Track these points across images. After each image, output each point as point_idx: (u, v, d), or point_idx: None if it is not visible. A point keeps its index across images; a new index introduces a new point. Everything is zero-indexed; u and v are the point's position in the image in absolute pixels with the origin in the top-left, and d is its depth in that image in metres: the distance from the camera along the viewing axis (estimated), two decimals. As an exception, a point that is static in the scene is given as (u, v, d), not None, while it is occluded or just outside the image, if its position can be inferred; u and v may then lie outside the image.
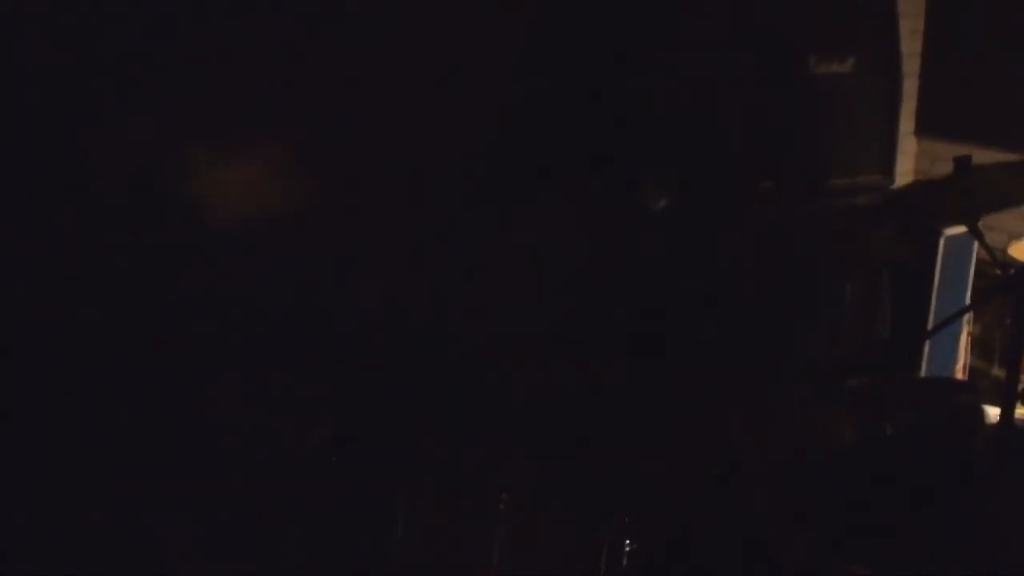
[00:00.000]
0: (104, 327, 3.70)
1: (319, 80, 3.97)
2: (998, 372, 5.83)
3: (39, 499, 3.67)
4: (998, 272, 4.04)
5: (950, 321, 5.19)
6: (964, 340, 5.74)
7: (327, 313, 4.06)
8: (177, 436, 3.83)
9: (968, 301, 5.54)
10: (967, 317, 5.72)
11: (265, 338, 3.95)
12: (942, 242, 5.39)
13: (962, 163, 3.87)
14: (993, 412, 3.72)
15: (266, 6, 3.87)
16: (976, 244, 5.42)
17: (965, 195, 3.87)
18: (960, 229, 5.32)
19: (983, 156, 4.21)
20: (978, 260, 5.54)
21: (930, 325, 5.41)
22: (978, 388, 4.30)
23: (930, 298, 5.40)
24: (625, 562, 3.47)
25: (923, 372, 5.39)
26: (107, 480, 3.73)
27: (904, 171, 6.38)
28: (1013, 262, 5.36)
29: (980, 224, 3.86)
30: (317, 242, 4.01)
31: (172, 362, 3.81)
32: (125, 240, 3.70)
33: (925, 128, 6.83)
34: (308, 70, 3.95)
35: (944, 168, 4.05)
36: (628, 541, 3.52)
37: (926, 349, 5.42)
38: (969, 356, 5.85)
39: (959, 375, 5.67)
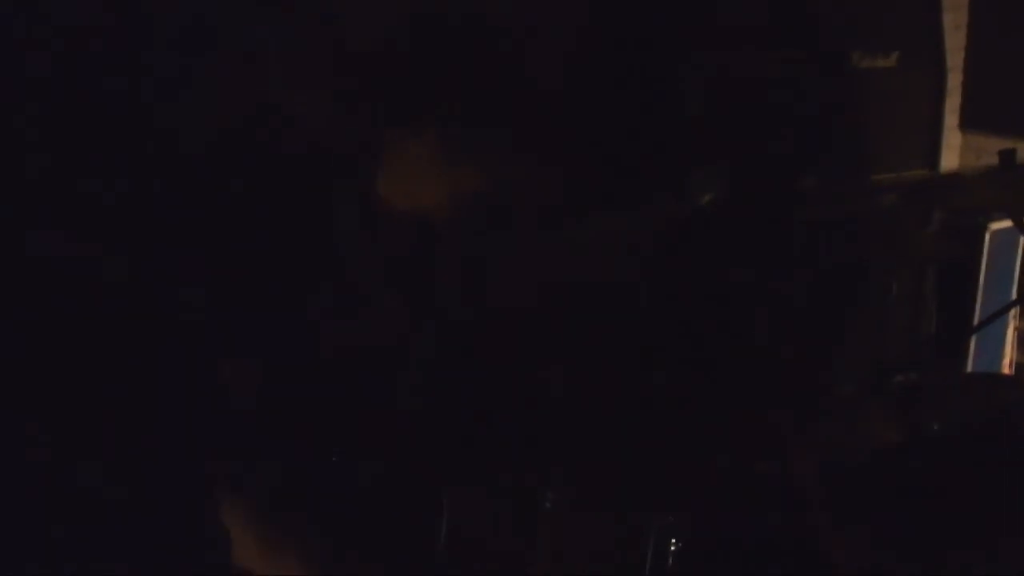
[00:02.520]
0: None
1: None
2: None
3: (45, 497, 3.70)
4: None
5: (996, 316, 5.16)
6: (1011, 335, 5.71)
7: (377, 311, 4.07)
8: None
9: (1015, 296, 5.51)
10: (1014, 312, 5.69)
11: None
12: (987, 236, 5.36)
13: (1007, 156, 3.86)
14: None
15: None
16: (1022, 239, 5.39)
17: (1010, 188, 3.86)
18: (1006, 223, 5.29)
19: (1029, 150, 4.19)
20: (1024, 255, 5.52)
21: (976, 320, 5.37)
22: (1025, 383, 4.28)
23: (976, 293, 5.37)
24: (671, 562, 3.47)
25: (970, 368, 5.36)
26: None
27: (949, 165, 6.35)
28: (1059, 256, 5.35)
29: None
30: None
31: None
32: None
33: (970, 122, 6.79)
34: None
35: (990, 162, 4.03)
36: (674, 540, 3.52)
37: (972, 345, 5.40)
38: (1016, 352, 5.82)
39: (1006, 371, 5.64)
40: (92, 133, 3.62)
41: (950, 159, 6.63)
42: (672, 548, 3.49)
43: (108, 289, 3.66)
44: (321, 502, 3.88)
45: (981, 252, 5.37)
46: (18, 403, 3.61)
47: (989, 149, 4.43)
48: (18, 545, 3.63)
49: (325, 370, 3.98)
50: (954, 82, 6.54)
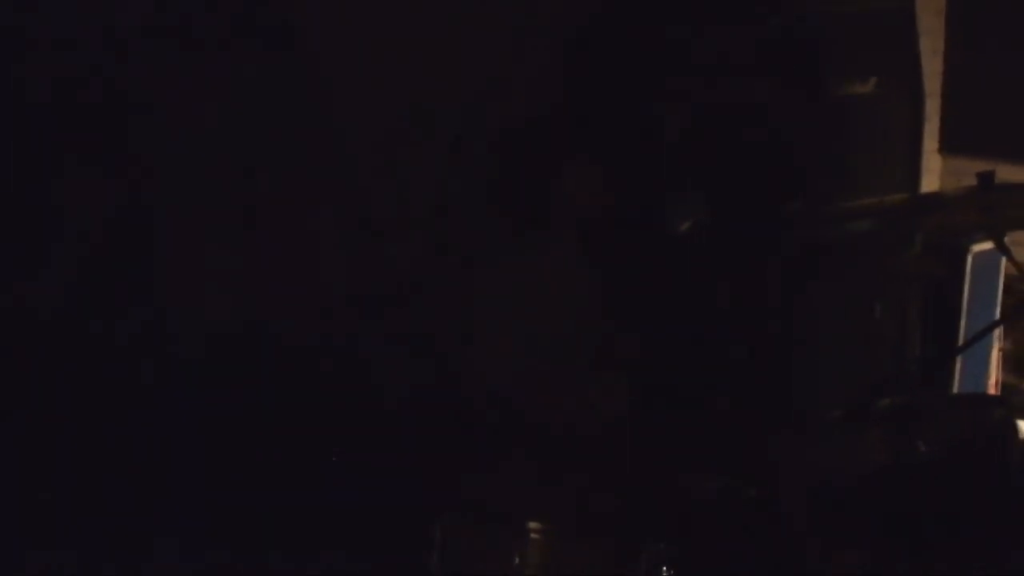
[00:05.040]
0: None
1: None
2: (1031, 387, 5.83)
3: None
4: (1026, 287, 4.04)
5: (980, 337, 5.18)
6: (995, 356, 5.73)
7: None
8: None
9: (998, 316, 5.53)
10: (997, 333, 5.71)
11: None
12: (970, 258, 5.38)
13: (986, 178, 3.87)
14: (1027, 427, 3.72)
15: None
16: (1004, 259, 5.42)
17: (990, 209, 3.88)
18: (987, 245, 5.31)
19: (1008, 173, 4.21)
20: (1006, 275, 5.54)
21: (961, 341, 5.39)
22: (1011, 403, 4.28)
23: (960, 314, 5.39)
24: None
25: (955, 389, 5.37)
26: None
27: (930, 189, 6.38)
28: (1041, 277, 5.36)
29: (1006, 239, 3.86)
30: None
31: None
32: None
33: (949, 146, 6.83)
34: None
35: (969, 185, 4.05)
36: (666, 569, 3.52)
37: (957, 366, 5.41)
38: (1001, 372, 5.84)
39: (991, 391, 5.65)
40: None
41: (930, 183, 6.66)
42: (664, 574, 3.49)
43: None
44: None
45: (964, 273, 5.39)
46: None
47: (969, 172, 4.44)
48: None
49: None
50: (932, 107, 6.58)
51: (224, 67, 3.79)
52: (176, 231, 3.81)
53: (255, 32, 3.84)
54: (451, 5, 4.10)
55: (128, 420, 3.71)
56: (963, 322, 5.39)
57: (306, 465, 3.93)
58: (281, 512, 3.87)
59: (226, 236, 3.88)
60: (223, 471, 3.83)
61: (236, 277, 3.88)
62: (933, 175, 6.79)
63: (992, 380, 5.69)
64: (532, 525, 3.65)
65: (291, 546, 3.82)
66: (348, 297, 4.04)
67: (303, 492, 3.89)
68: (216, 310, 3.83)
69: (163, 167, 3.75)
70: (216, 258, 3.86)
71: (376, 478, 3.92)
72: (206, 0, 3.79)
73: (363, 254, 4.09)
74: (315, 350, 4.00)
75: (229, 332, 3.85)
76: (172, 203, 3.78)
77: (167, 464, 3.75)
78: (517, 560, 3.64)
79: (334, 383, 3.99)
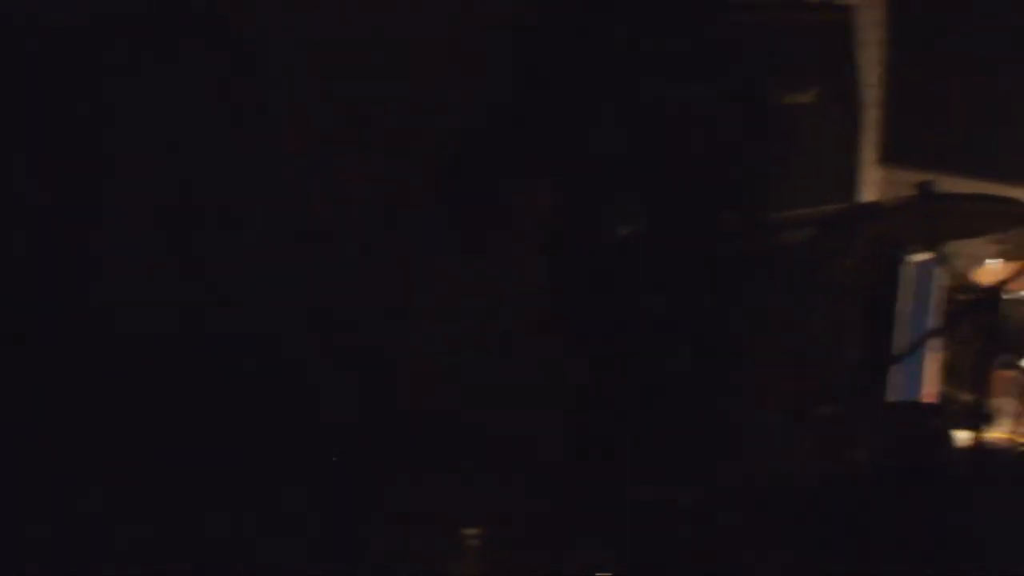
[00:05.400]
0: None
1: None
2: (966, 397, 5.85)
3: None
4: (962, 297, 4.07)
5: (916, 346, 5.21)
6: (930, 365, 5.76)
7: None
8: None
9: (934, 326, 5.56)
10: (933, 342, 5.74)
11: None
12: (907, 268, 5.41)
13: (925, 188, 3.90)
14: (961, 436, 3.74)
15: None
16: (940, 269, 5.45)
17: (928, 220, 3.90)
18: (925, 255, 5.34)
19: (947, 183, 4.24)
20: (943, 285, 5.56)
21: (896, 351, 5.42)
22: (947, 412, 4.31)
23: (896, 324, 5.41)
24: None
25: (891, 398, 5.39)
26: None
27: (868, 200, 6.41)
28: (977, 287, 5.40)
29: (944, 249, 3.88)
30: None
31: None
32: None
33: (889, 157, 6.87)
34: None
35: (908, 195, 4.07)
36: (601, 573, 3.52)
37: (893, 375, 5.43)
38: (936, 381, 5.87)
39: (927, 400, 5.68)
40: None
41: (869, 193, 6.70)
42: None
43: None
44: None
45: (901, 283, 5.42)
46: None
47: (907, 183, 4.47)
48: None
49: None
50: (872, 117, 6.62)
51: (160, 69, 3.76)
52: (107, 234, 3.78)
53: (192, 33, 3.82)
54: (392, 8, 4.09)
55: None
56: (899, 331, 5.41)
57: (243, 467, 3.90)
58: (217, 515, 3.84)
59: (161, 240, 3.85)
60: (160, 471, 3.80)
61: (172, 281, 3.85)
62: (872, 185, 6.82)
63: (928, 389, 5.72)
64: (468, 531, 3.64)
65: (224, 547, 3.79)
66: (285, 301, 4.01)
67: (237, 495, 3.86)
68: (151, 313, 3.79)
69: (94, 170, 3.72)
70: (150, 262, 3.83)
71: (315, 481, 3.90)
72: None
73: (301, 256, 4.07)
74: (253, 353, 3.97)
75: (164, 336, 3.82)
76: (103, 205, 3.74)
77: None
78: (453, 566, 3.63)
79: (271, 385, 3.97)
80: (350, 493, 3.89)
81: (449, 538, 3.67)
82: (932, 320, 5.54)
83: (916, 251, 5.39)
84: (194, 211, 3.89)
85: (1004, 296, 3.64)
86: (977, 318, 3.58)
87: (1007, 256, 6.03)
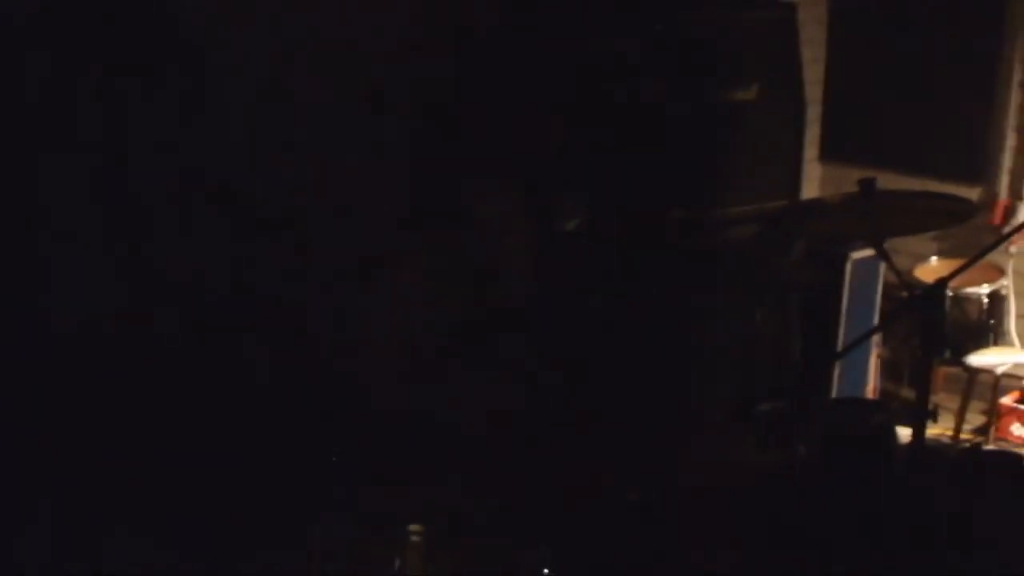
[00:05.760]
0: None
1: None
2: (907, 393, 5.90)
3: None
4: (904, 294, 4.09)
5: (859, 343, 5.24)
6: (873, 361, 5.80)
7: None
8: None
9: (876, 323, 5.60)
10: (876, 339, 5.78)
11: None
12: (849, 264, 5.44)
13: (867, 185, 3.91)
14: (904, 432, 3.76)
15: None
16: (882, 266, 5.49)
17: (870, 216, 3.92)
18: (867, 252, 5.38)
19: (888, 180, 4.26)
20: (885, 282, 5.60)
21: (839, 347, 5.45)
22: (890, 408, 4.33)
23: (839, 320, 5.44)
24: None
25: (834, 394, 5.43)
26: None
27: (810, 196, 6.44)
28: (919, 284, 5.44)
29: (886, 246, 3.90)
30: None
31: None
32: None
33: (829, 154, 6.91)
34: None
35: (849, 192, 4.09)
36: (546, 571, 3.51)
37: (836, 371, 5.47)
38: (879, 378, 5.91)
39: (869, 396, 5.72)
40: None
41: (811, 190, 6.74)
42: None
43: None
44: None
45: (843, 280, 5.45)
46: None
47: (848, 180, 4.49)
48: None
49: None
50: (813, 114, 6.66)
51: (104, 63, 3.74)
52: (50, 228, 3.75)
53: (136, 28, 3.79)
54: (339, 7, 4.07)
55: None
56: (842, 328, 5.45)
57: (185, 467, 3.87)
58: (156, 519, 3.82)
59: (101, 233, 3.82)
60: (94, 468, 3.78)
61: (112, 275, 3.82)
62: (813, 182, 6.86)
63: (870, 386, 5.76)
64: (412, 527, 3.63)
65: (166, 548, 3.77)
66: (224, 296, 3.99)
67: (181, 496, 3.84)
68: (90, 307, 3.77)
69: (36, 163, 3.69)
70: (91, 256, 3.80)
71: (256, 480, 3.88)
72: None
73: (242, 252, 4.05)
74: (192, 349, 3.95)
75: (103, 330, 3.80)
76: (46, 199, 3.71)
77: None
78: (397, 563, 3.62)
79: (211, 383, 3.95)
80: (298, 491, 3.87)
81: (395, 537, 3.66)
82: (874, 316, 5.58)
83: (858, 248, 5.43)
84: (142, 208, 3.87)
85: (946, 293, 3.65)
86: (919, 315, 3.59)
87: (948, 253, 6.08)
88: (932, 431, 4.39)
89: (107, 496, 3.74)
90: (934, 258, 6.02)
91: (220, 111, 3.92)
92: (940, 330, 3.85)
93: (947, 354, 5.59)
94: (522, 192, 4.45)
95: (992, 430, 5.79)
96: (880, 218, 3.94)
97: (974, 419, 5.78)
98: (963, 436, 5.65)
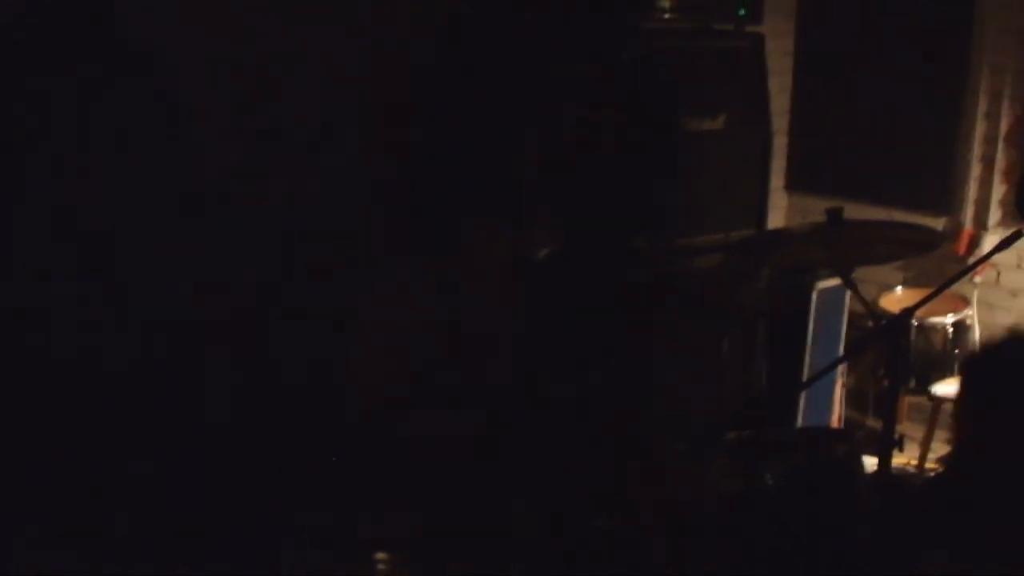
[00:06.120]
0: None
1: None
2: (872, 422, 5.91)
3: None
4: (870, 323, 4.10)
5: (825, 372, 5.25)
6: (839, 390, 5.82)
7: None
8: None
9: (842, 352, 5.61)
10: (841, 368, 5.79)
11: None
12: (815, 294, 5.46)
13: (834, 214, 3.93)
14: (870, 461, 3.76)
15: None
16: (848, 296, 5.50)
17: (836, 246, 3.93)
18: (833, 281, 5.39)
19: (854, 210, 4.27)
20: (850, 312, 5.62)
21: (805, 376, 5.45)
22: (855, 437, 4.34)
23: (804, 350, 5.45)
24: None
25: (800, 423, 5.43)
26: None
27: (776, 226, 6.46)
28: (885, 313, 5.46)
29: (852, 276, 3.91)
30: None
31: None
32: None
33: (795, 183, 6.94)
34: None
35: (815, 222, 4.10)
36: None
37: (802, 400, 5.48)
38: (844, 406, 5.92)
39: (835, 425, 5.73)
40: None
41: (776, 219, 6.76)
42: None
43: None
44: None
45: (809, 309, 5.46)
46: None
47: (814, 209, 4.51)
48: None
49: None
50: (779, 144, 6.68)
51: (73, 81, 3.73)
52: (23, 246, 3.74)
53: (105, 46, 3.79)
54: (303, 33, 4.07)
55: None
56: (808, 357, 5.46)
57: (146, 493, 3.85)
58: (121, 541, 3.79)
59: (74, 254, 3.81)
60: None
61: (86, 297, 3.81)
62: (779, 212, 6.88)
63: (835, 415, 5.77)
64: (379, 555, 3.62)
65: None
66: (192, 319, 3.97)
67: (142, 523, 3.82)
68: (62, 329, 3.76)
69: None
70: (64, 276, 3.79)
71: (220, 507, 3.86)
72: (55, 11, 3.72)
73: (213, 273, 4.03)
74: (152, 370, 3.93)
75: (58, 353, 3.79)
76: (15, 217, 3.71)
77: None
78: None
79: (172, 407, 3.93)
80: (263, 518, 3.85)
81: (361, 565, 3.64)
82: (840, 346, 5.59)
83: (824, 277, 5.44)
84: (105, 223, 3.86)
85: (911, 323, 3.66)
86: (885, 344, 3.60)
87: (914, 283, 6.11)
88: (897, 460, 4.39)
89: (65, 518, 3.73)
90: (899, 288, 6.05)
91: (186, 128, 3.91)
92: (905, 359, 3.86)
93: (912, 383, 5.61)
94: (495, 220, 4.45)
95: (956, 459, 5.80)
96: (846, 248, 3.95)
97: (939, 448, 5.80)
98: (928, 465, 5.66)
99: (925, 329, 5.73)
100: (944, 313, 5.75)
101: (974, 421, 3.01)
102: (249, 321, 4.03)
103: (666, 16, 5.32)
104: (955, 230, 6.41)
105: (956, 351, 5.78)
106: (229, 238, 3.99)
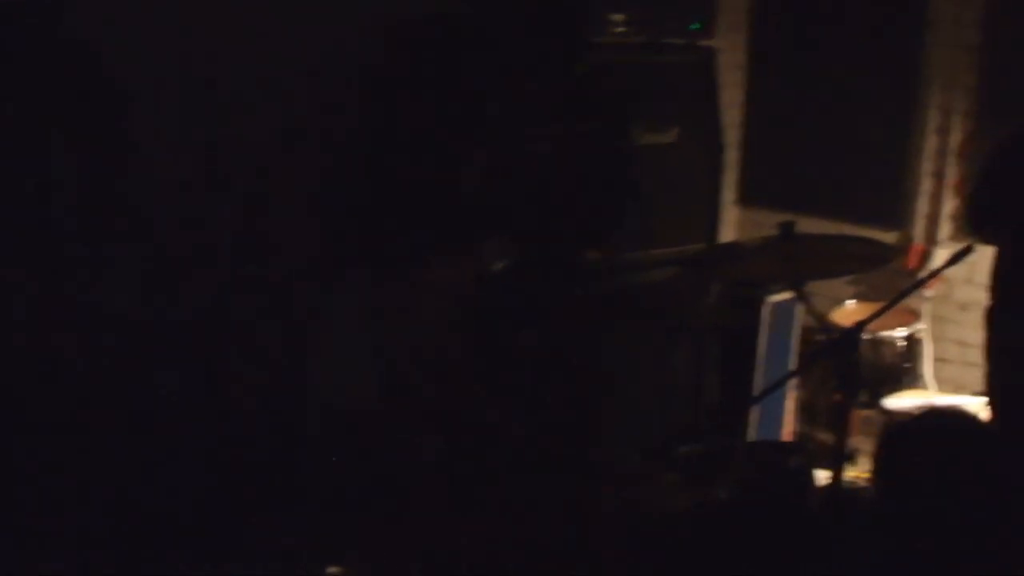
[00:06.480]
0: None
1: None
2: (823, 436, 5.92)
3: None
4: (822, 337, 4.11)
5: (776, 386, 5.26)
6: (790, 404, 5.82)
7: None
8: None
9: (793, 366, 5.62)
10: (792, 382, 5.80)
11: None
12: (766, 308, 5.46)
13: (786, 228, 3.93)
14: (822, 474, 3.77)
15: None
16: (800, 310, 5.51)
17: (788, 259, 3.94)
18: (784, 295, 5.40)
19: (806, 224, 4.28)
20: (802, 326, 5.63)
21: (757, 390, 5.46)
22: (807, 451, 4.34)
23: (756, 363, 5.46)
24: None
25: (751, 436, 5.43)
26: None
27: (728, 240, 6.48)
28: (836, 327, 5.47)
29: (804, 290, 3.92)
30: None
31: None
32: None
33: (747, 197, 6.95)
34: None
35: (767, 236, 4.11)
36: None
37: (753, 414, 5.48)
38: (795, 420, 5.93)
39: (786, 439, 5.73)
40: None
41: (728, 233, 6.77)
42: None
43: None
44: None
45: (760, 323, 5.46)
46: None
47: (766, 223, 4.51)
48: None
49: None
50: (731, 158, 6.70)
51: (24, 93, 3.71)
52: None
53: (58, 56, 3.77)
54: (255, 50, 4.07)
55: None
56: (759, 371, 5.46)
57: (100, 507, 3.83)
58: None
59: (26, 263, 3.80)
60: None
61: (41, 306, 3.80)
62: (731, 226, 6.90)
63: (787, 429, 5.78)
64: (331, 569, 3.60)
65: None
66: (144, 333, 3.96)
67: (95, 536, 3.80)
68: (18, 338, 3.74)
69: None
70: (17, 287, 3.77)
71: (174, 518, 3.85)
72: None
73: (161, 288, 4.02)
74: (104, 386, 3.91)
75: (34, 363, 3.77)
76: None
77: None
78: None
79: (126, 420, 3.91)
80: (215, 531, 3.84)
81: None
82: (791, 360, 5.60)
83: (776, 291, 5.45)
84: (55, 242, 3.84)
85: (863, 336, 3.67)
86: (836, 358, 3.61)
87: (865, 297, 6.13)
88: (849, 473, 4.40)
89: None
90: (851, 301, 6.07)
91: (135, 148, 3.90)
92: (857, 373, 3.87)
93: (863, 397, 5.63)
94: (444, 235, 4.44)
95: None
96: (799, 261, 3.96)
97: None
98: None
99: (876, 343, 5.75)
100: (895, 327, 5.78)
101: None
102: (197, 332, 4.02)
103: (618, 30, 5.31)
104: (906, 244, 6.43)
105: (907, 365, 5.81)
106: (176, 248, 3.98)
